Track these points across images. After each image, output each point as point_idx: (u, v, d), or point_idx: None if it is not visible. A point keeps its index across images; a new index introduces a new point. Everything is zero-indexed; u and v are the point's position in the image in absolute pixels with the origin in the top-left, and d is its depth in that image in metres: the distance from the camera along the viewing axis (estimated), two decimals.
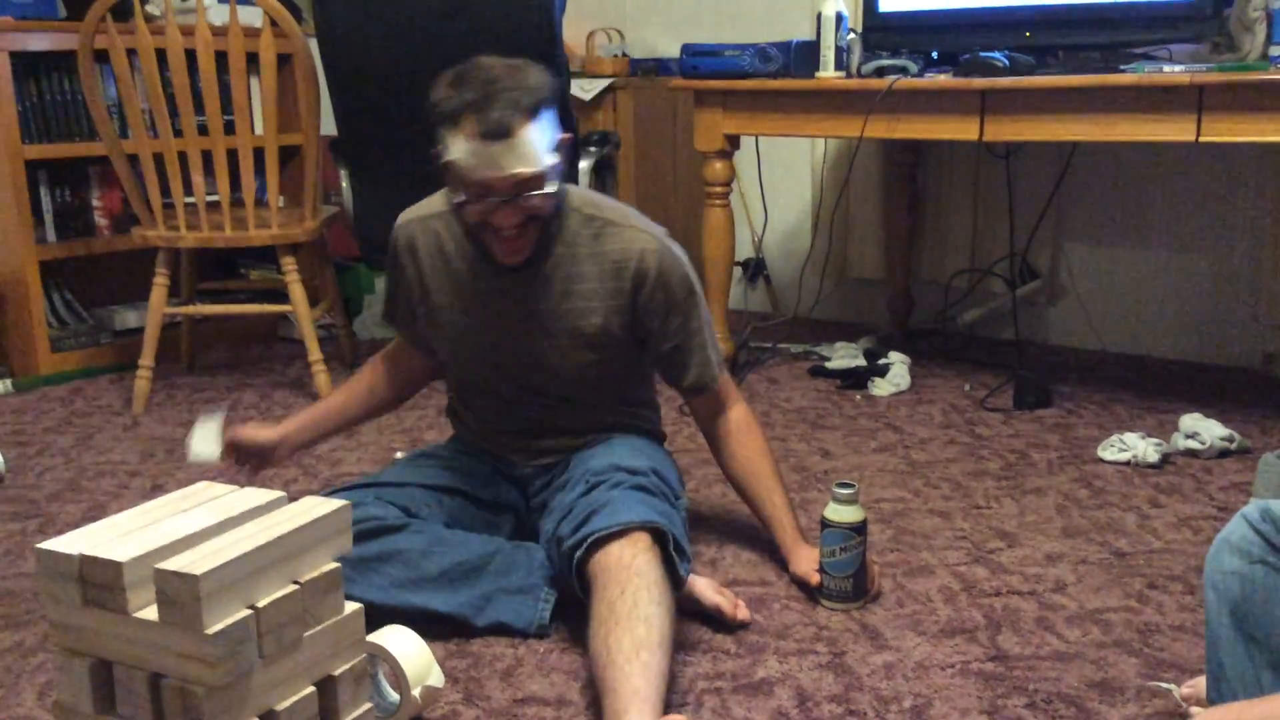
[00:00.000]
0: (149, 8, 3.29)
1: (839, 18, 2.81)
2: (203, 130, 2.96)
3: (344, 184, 3.14)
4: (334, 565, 1.25)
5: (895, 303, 3.61)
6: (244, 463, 1.96)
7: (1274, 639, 1.20)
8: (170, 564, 1.11)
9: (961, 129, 2.60)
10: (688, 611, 1.78)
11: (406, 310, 1.97)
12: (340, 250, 3.79)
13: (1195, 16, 2.56)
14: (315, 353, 3.00)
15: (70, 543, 1.16)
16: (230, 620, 1.12)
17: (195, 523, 1.21)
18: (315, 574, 1.23)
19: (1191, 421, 2.53)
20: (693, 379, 1.88)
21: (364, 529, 1.69)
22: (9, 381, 3.24)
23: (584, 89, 3.69)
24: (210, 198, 3.07)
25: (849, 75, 2.86)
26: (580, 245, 1.81)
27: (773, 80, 2.83)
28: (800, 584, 1.88)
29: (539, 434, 1.93)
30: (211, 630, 1.10)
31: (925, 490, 2.33)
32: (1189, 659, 1.64)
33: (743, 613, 1.76)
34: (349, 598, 1.30)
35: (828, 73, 2.82)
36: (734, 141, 2.96)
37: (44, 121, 3.32)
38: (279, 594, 1.18)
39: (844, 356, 3.27)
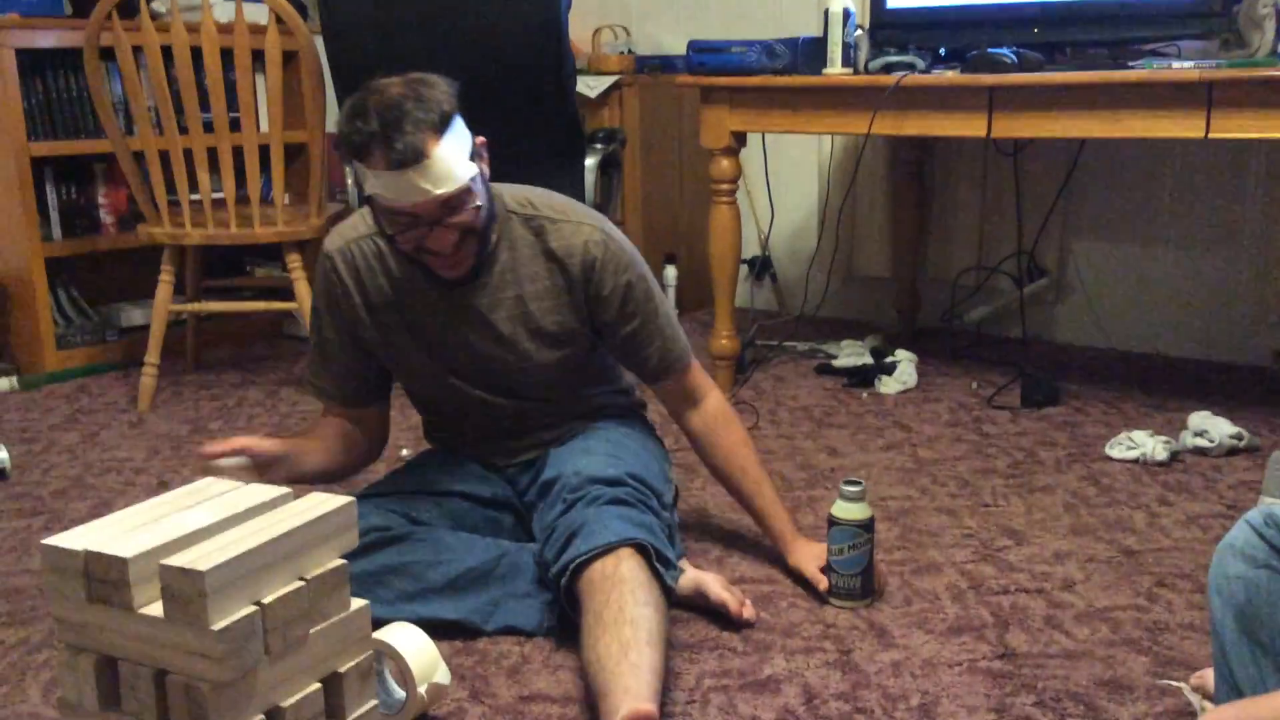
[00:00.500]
0: (155, 5, 3.29)
1: (846, 14, 2.79)
2: (208, 127, 2.96)
3: (349, 181, 3.14)
4: (340, 562, 1.25)
5: (902, 300, 3.60)
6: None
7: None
8: (175, 560, 1.10)
9: (969, 126, 2.59)
10: (695, 607, 1.78)
11: (346, 353, 1.84)
12: None
13: (1204, 13, 2.56)
14: None
15: (75, 539, 1.16)
16: (236, 616, 1.11)
17: (200, 519, 1.20)
18: (321, 570, 1.22)
19: (1200, 419, 2.52)
20: (655, 363, 1.84)
21: (368, 541, 1.64)
22: (15, 378, 3.25)
23: (590, 86, 3.68)
24: (215, 195, 3.08)
25: (856, 72, 2.84)
26: (523, 246, 1.78)
27: (779, 77, 2.82)
28: (800, 579, 1.87)
29: (516, 435, 1.91)
30: (217, 626, 1.09)
31: (932, 488, 2.32)
32: (1198, 657, 1.63)
33: (749, 612, 1.75)
34: None
35: (835, 69, 2.80)
36: (740, 139, 2.94)
37: (50, 119, 3.33)
38: (285, 590, 1.17)
39: (851, 354, 3.27)
